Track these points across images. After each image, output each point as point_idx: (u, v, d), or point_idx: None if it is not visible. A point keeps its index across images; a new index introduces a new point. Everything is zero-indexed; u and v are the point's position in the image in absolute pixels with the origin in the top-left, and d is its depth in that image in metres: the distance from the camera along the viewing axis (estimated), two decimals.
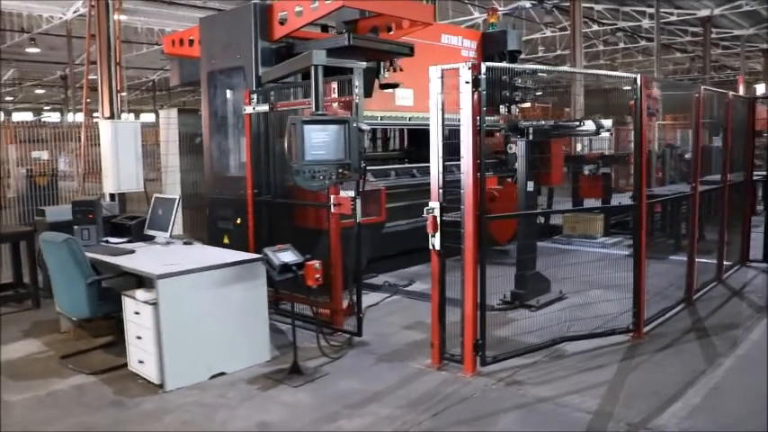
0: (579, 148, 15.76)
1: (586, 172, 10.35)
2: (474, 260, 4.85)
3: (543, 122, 6.90)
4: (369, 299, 7.09)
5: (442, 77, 4.91)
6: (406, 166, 8.94)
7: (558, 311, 6.45)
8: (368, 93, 7.94)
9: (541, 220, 10.40)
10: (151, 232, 6.16)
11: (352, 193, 5.58)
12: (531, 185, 6.63)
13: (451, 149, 4.88)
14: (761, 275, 8.10)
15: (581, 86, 14.54)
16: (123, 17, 12.73)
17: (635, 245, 5.77)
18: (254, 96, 6.61)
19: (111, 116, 10.20)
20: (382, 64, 7.98)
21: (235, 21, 7.10)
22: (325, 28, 8.19)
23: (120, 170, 9.29)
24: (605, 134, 8.68)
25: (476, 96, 4.73)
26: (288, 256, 5.05)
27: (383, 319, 6.52)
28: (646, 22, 21.98)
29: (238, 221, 6.99)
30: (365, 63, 6.49)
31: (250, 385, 4.85)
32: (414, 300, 7.17)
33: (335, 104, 6.11)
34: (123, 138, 9.33)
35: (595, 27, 23.59)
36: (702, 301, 6.92)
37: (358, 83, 5.60)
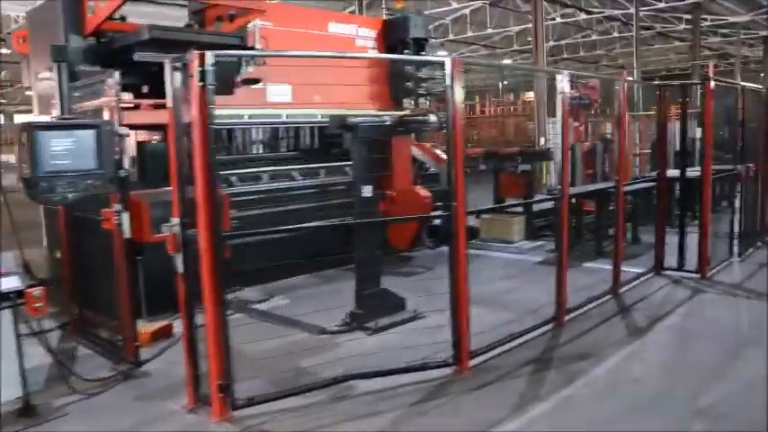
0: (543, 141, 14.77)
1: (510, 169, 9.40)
2: (212, 286, 4.03)
3: (386, 117, 6.00)
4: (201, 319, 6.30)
5: (180, 69, 4.09)
6: (282, 168, 8.11)
7: (398, 336, 5.64)
8: (227, 90, 7.19)
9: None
10: None
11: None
12: (368, 190, 5.75)
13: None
14: (667, 287, 7.06)
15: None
16: None
17: (450, 254, 4.83)
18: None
19: None
20: (243, 59, 7.20)
21: (49, 14, 6.38)
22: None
23: None
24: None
25: (200, 92, 3.88)
26: (10, 282, 4.29)
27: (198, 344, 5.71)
28: (633, 10, 20.69)
29: None
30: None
31: None
32: (253, 319, 6.37)
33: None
34: None
35: (583, 15, 22.37)
36: (577, 321, 5.96)
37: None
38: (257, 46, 7.28)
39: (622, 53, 27.96)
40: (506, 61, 27.44)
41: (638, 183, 9.18)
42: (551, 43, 25.49)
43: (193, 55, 3.85)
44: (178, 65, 4.01)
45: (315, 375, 4.73)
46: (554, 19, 23.05)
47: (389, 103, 9.16)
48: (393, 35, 8.97)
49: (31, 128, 4.39)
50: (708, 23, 22.68)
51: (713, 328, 5.69)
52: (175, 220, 4.19)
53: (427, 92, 9.06)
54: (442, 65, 4.61)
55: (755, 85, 9.38)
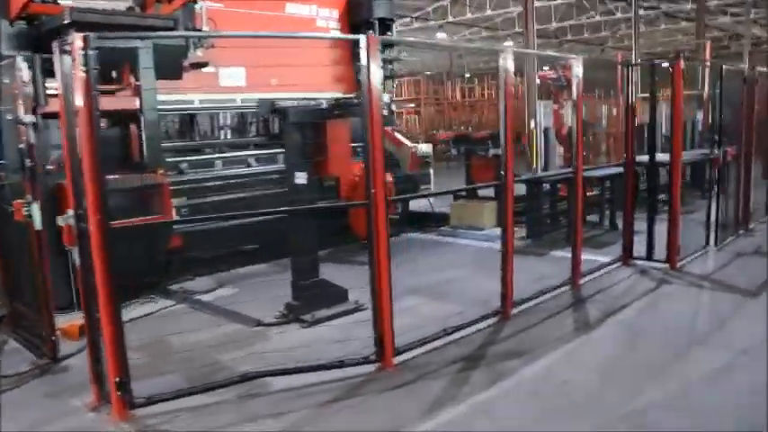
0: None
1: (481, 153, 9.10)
2: (105, 281, 3.82)
3: (322, 100, 5.73)
4: (144, 309, 6.15)
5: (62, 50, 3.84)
6: (238, 154, 7.87)
7: (334, 329, 5.41)
8: (175, 74, 6.95)
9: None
10: None
11: None
12: (302, 177, 5.49)
13: None
14: (632, 278, 6.75)
15: None
16: None
17: (369, 245, 4.57)
18: None
19: None
20: (191, 41, 6.95)
21: None
22: None
23: None
24: None
25: (84, 77, 3.63)
26: None
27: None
28: None
29: None
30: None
31: None
32: (194, 310, 6.20)
33: None
34: None
35: None
36: (525, 314, 5.70)
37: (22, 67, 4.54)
38: (204, 28, 7.03)
39: (628, 34, 27.19)
40: (507, 44, 26.87)
41: (605, 168, 8.83)
42: (555, 25, 24.89)
43: (74, 37, 3.60)
44: (66, 48, 3.76)
45: (232, 371, 4.53)
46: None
47: (355, 86, 8.88)
48: (356, 15, 8.65)
49: None
50: (716, 2, 21.93)
51: (666, 323, 5.40)
52: (70, 212, 3.98)
53: (391, 74, 8.76)
54: (357, 42, 4.30)
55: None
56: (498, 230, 9.11)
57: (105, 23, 5.57)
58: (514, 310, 5.67)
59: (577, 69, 6.20)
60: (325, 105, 5.71)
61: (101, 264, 3.80)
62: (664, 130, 10.77)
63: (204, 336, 5.20)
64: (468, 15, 23.79)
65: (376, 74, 4.28)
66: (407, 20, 25.87)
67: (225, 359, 4.80)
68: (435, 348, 4.93)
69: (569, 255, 7.41)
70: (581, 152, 6.15)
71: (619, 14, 23.87)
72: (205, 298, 6.57)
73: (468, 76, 32.13)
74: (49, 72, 6.06)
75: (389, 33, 8.76)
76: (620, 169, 7.54)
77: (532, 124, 14.51)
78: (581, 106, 6.08)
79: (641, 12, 23.02)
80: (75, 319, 5.56)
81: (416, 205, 10.03)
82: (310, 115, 5.28)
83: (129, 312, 6.02)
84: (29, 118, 4.49)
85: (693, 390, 4.14)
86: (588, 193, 9.28)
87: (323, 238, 8.40)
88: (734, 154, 7.80)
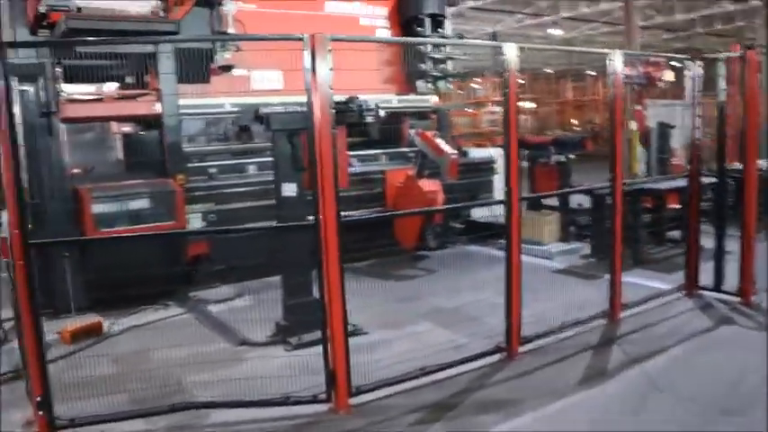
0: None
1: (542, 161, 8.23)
2: (27, 298, 3.66)
3: None
4: (150, 316, 6.13)
5: None
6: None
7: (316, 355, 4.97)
8: (202, 78, 6.86)
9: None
10: None
11: None
12: (290, 189, 5.10)
13: None
14: (687, 314, 5.68)
15: None
16: None
17: (318, 270, 4.07)
18: None
19: None
20: (217, 44, 6.82)
21: None
22: None
23: None
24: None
25: None
26: None
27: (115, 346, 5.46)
28: None
29: None
30: None
31: None
32: (198, 322, 6.09)
33: None
34: None
35: None
36: (537, 353, 4.92)
37: None
38: (230, 30, 6.86)
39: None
40: (555, 32, 24.73)
41: (669, 180, 7.60)
42: (678, 17, 22.54)
43: None
44: None
45: (187, 395, 4.28)
46: None
47: (405, 87, 8.38)
48: (405, 12, 8.12)
49: None
50: None
51: (704, 381, 4.38)
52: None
53: (443, 73, 8.14)
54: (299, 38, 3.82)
55: None
56: (562, 247, 8.40)
57: (107, 29, 5.51)
58: (524, 347, 4.92)
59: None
60: None
61: (21, 280, 3.64)
62: None
63: (184, 352, 4.98)
64: (584, 10, 22.17)
65: (323, 77, 3.79)
66: (520, 17, 24.69)
67: (187, 381, 4.57)
68: (411, 389, 4.33)
69: (633, 279, 6.48)
70: (618, 163, 5.23)
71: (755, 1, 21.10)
72: (216, 308, 6.39)
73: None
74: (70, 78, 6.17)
75: (441, 30, 8.13)
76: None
77: (633, 125, 13.16)
78: (618, 111, 5.16)
79: None
80: (70, 324, 5.59)
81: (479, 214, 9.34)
82: (297, 122, 4.84)
83: (136, 318, 6.05)
84: None
85: None
86: (671, 205, 8.12)
87: (364, 249, 8.11)
88: None
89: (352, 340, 5.12)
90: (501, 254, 8.09)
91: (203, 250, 6.88)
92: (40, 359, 3.73)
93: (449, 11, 8.76)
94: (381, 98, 8.33)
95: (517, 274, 4.85)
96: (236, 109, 7.23)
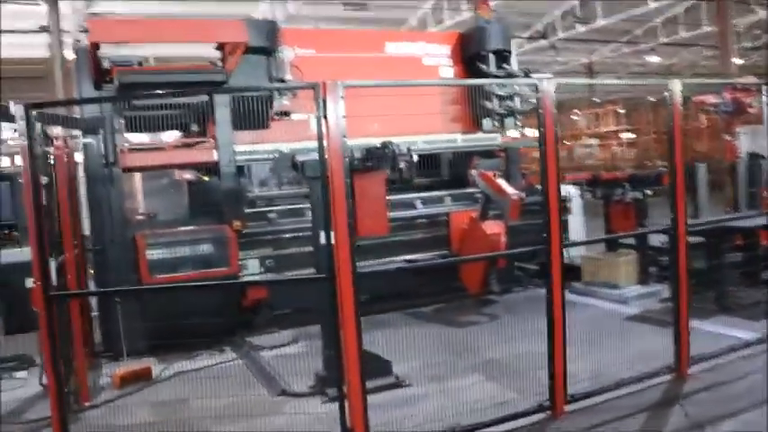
0: None
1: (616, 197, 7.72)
2: (50, 352, 3.78)
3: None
4: (201, 362, 6.19)
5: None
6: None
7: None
8: (261, 124, 7.04)
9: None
10: None
11: None
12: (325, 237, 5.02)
13: None
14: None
15: None
16: None
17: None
18: None
19: None
20: (276, 91, 6.99)
21: None
22: None
23: None
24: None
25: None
26: None
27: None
28: None
29: None
30: None
31: None
32: (246, 368, 6.04)
33: None
34: None
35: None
36: (586, 412, 4.49)
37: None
38: (287, 77, 6.99)
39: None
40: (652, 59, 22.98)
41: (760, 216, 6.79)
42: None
43: (15, 108, 3.63)
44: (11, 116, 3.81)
45: None
46: None
47: (471, 126, 8.18)
48: (469, 48, 7.97)
49: None
50: None
51: None
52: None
53: (510, 111, 7.88)
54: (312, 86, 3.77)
55: None
56: (639, 290, 7.74)
57: (155, 83, 5.76)
58: (572, 406, 4.51)
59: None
60: (358, 155, 5.20)
61: (45, 335, 3.76)
62: None
63: (222, 402, 5.00)
64: (682, 35, 21.04)
65: (336, 124, 3.71)
66: (617, 45, 23.85)
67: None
68: None
69: (713, 327, 5.88)
70: (680, 203, 4.78)
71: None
72: (268, 354, 6.38)
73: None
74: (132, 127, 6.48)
75: (506, 66, 7.88)
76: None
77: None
78: (677, 141, 4.72)
79: None
80: (120, 369, 5.76)
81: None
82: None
83: (190, 363, 6.14)
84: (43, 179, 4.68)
85: None
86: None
87: (429, 294, 7.89)
88: None
89: (389, 393, 5.05)
90: (575, 298, 7.78)
91: (263, 295, 6.94)
92: (60, 408, 3.81)
93: (514, 44, 8.52)
94: (444, 138, 8.23)
95: (559, 323, 4.47)
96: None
